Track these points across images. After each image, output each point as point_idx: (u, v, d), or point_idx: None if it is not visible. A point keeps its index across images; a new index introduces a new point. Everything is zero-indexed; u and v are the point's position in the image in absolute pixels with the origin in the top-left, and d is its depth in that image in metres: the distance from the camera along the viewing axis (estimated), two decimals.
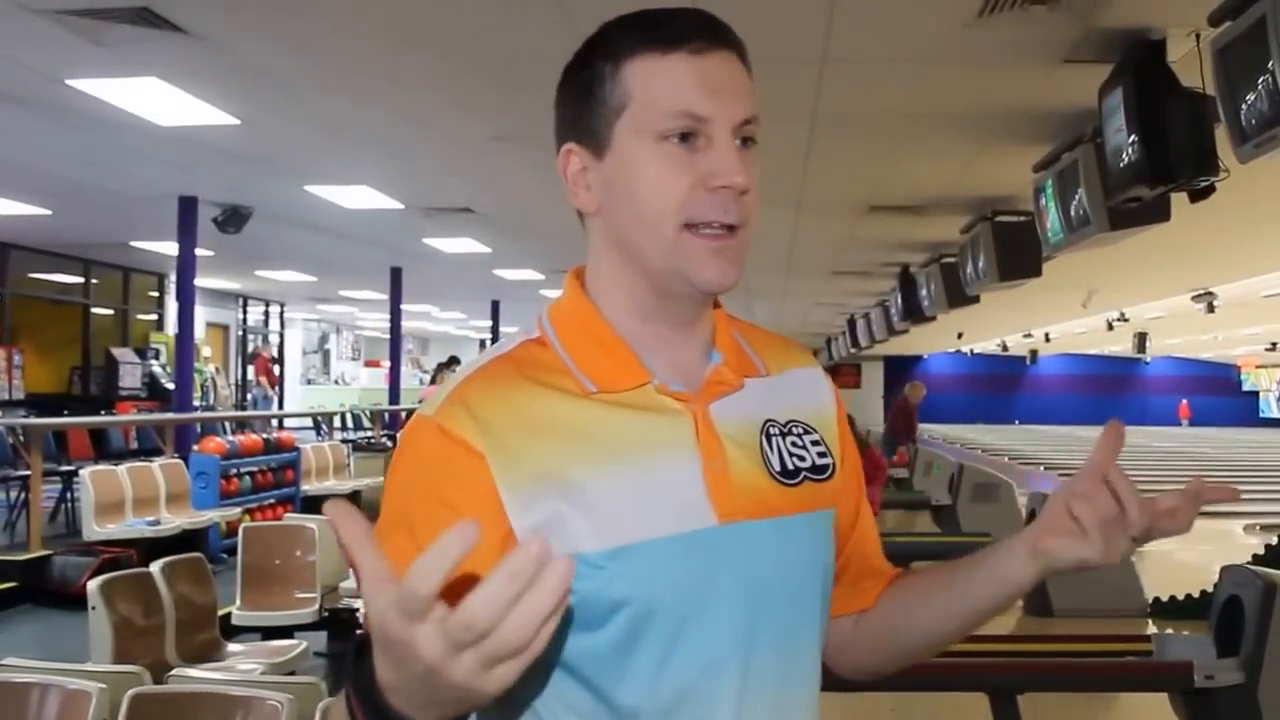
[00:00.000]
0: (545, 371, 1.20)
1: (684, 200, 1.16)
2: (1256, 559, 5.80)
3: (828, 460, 1.29)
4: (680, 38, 1.18)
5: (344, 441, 15.20)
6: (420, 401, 16.01)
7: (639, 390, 1.20)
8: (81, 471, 9.16)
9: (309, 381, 29.78)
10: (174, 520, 9.18)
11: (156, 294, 18.63)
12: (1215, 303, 15.53)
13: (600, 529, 1.12)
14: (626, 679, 1.13)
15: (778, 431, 1.27)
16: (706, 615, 1.15)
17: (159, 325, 18.57)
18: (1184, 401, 40.23)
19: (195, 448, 10.72)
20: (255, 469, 11.21)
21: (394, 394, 18.24)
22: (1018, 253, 8.34)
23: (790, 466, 1.25)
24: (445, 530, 0.95)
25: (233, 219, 10.38)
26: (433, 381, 21.79)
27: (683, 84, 1.17)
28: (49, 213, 11.43)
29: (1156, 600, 6.42)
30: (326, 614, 6.53)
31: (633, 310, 1.24)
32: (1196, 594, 6.14)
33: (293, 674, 5.13)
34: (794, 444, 1.27)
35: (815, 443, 1.29)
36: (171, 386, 14.36)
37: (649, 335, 1.23)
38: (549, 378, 1.19)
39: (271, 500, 11.23)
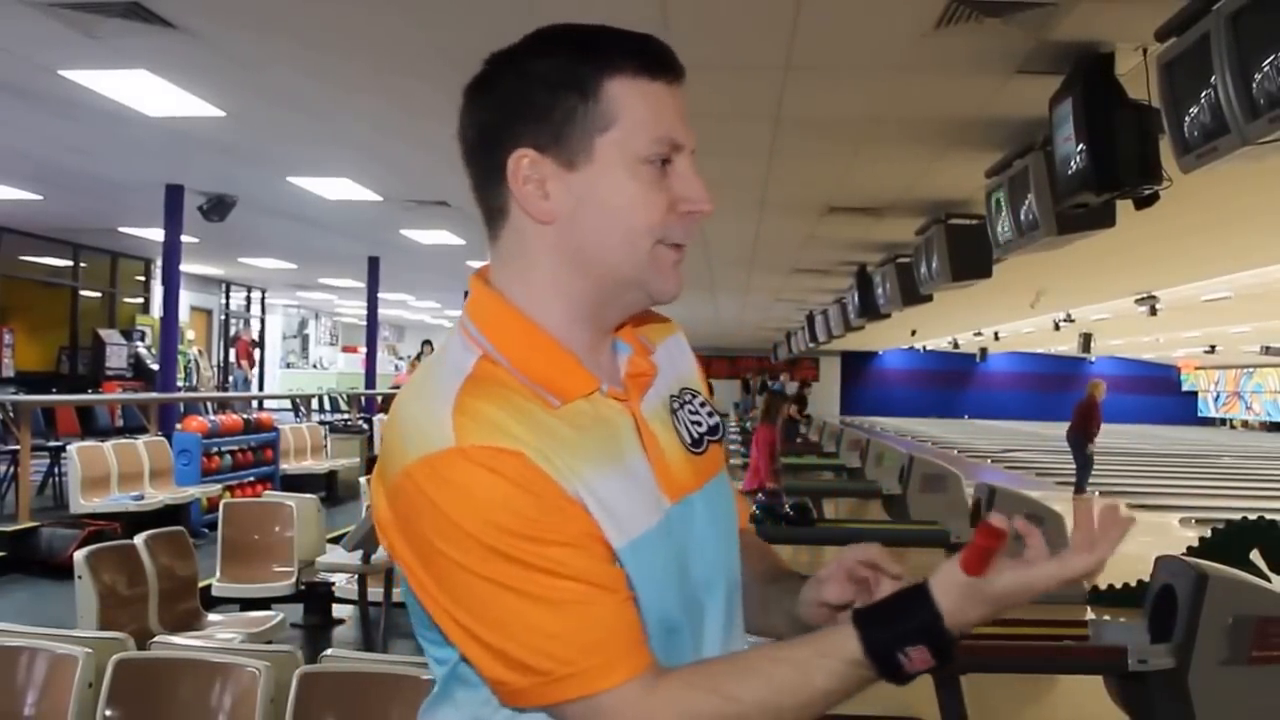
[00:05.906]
0: (510, 390, 1.17)
1: (661, 219, 1.20)
2: (1190, 550, 5.89)
3: (716, 419, 1.36)
4: (663, 67, 1.21)
5: (321, 423, 15.23)
6: (395, 387, 15.88)
7: (590, 398, 1.21)
8: (69, 447, 9.32)
9: (288, 365, 29.82)
10: (157, 495, 9.38)
11: (143, 278, 18.70)
12: (1157, 306, 15.71)
13: (619, 525, 1.15)
14: None
15: (679, 405, 1.32)
16: (681, 588, 1.21)
17: (145, 308, 18.63)
18: None
19: (178, 426, 10.80)
20: (236, 448, 11.35)
21: (370, 379, 18.31)
22: (969, 254, 8.46)
23: (695, 436, 1.30)
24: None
25: (217, 207, 10.47)
26: (411, 369, 21.85)
27: (667, 112, 1.20)
28: (40, 198, 11.49)
29: (1095, 588, 6.47)
30: (303, 587, 6.69)
31: (572, 317, 1.23)
32: (1133, 583, 6.22)
33: (270, 643, 5.17)
34: (691, 412, 1.33)
35: (703, 404, 1.36)
36: (156, 367, 14.38)
37: (580, 340, 1.24)
38: (516, 395, 1.17)
39: (251, 478, 11.39)
